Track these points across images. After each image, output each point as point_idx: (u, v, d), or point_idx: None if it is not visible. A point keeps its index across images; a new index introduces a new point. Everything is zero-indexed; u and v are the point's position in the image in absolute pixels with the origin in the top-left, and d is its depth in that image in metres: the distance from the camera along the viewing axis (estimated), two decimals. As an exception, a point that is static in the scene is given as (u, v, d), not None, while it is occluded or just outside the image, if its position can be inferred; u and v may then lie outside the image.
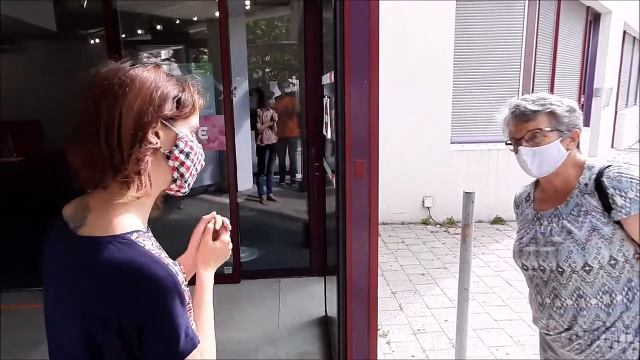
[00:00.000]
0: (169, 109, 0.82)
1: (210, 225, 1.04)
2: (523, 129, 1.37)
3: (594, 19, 7.68)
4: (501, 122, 1.46)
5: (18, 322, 3.10)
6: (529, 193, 1.56)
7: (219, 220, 1.05)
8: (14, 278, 3.58)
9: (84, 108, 0.79)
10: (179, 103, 0.84)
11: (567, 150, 1.37)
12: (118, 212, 0.80)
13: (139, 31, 6.27)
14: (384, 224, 5.68)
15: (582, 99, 7.86)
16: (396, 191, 5.56)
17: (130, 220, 0.81)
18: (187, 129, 0.87)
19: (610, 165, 1.34)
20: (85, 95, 0.80)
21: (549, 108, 1.35)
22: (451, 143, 5.81)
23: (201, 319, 0.91)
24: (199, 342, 0.79)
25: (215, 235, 1.04)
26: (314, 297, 3.54)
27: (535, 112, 1.35)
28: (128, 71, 0.80)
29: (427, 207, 5.89)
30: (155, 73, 0.83)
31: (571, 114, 1.37)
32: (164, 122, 0.82)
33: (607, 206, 1.29)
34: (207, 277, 1.00)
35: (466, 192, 2.41)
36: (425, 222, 5.86)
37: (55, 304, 0.83)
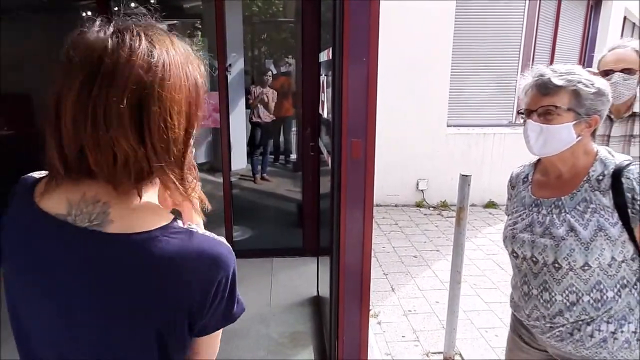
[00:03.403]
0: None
1: None
2: (539, 101, 1.27)
3: (595, 3, 7.59)
4: (521, 88, 1.34)
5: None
6: (527, 174, 1.46)
7: None
8: None
9: (111, 105, 0.64)
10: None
11: (579, 136, 1.26)
12: (145, 201, 0.73)
13: (132, 4, 6.11)
14: (377, 206, 5.68)
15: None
16: (390, 173, 5.54)
17: (160, 207, 0.77)
18: None
19: (630, 163, 1.24)
20: (109, 89, 0.65)
21: (574, 86, 1.23)
22: (447, 126, 5.78)
23: None
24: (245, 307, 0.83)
25: None
26: (306, 277, 3.54)
27: (557, 86, 1.24)
28: (154, 59, 0.67)
29: (421, 190, 5.89)
30: (183, 58, 0.72)
31: (596, 98, 1.24)
32: None
33: (620, 206, 1.21)
34: None
35: (462, 175, 2.40)
36: (419, 205, 5.87)
37: (68, 312, 0.73)
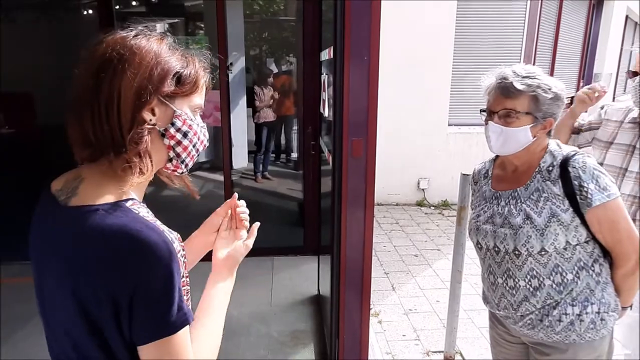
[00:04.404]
0: (168, 85, 0.78)
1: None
2: (501, 103, 1.35)
3: (597, 3, 7.57)
4: (484, 87, 1.43)
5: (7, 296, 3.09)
6: (487, 169, 1.57)
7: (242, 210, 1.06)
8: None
9: (84, 81, 0.75)
10: (179, 79, 0.80)
11: (535, 137, 1.35)
12: (113, 181, 0.76)
13: (134, 2, 6.12)
14: (378, 204, 5.67)
15: (582, 84, 7.80)
16: (391, 172, 5.54)
17: (125, 190, 0.77)
18: (187, 108, 0.83)
19: (575, 154, 1.33)
20: (85, 66, 0.76)
21: (533, 91, 1.32)
22: (449, 125, 5.78)
23: (209, 313, 0.88)
24: (192, 320, 0.76)
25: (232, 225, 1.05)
26: (306, 276, 3.55)
27: (519, 91, 1.32)
28: (129, 43, 0.76)
29: (422, 189, 5.88)
30: (158, 45, 0.79)
31: (553, 102, 1.34)
32: (161, 98, 0.78)
33: (569, 194, 1.30)
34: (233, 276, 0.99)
35: (463, 174, 2.40)
36: (419, 204, 5.87)
37: (46, 280, 0.79)
